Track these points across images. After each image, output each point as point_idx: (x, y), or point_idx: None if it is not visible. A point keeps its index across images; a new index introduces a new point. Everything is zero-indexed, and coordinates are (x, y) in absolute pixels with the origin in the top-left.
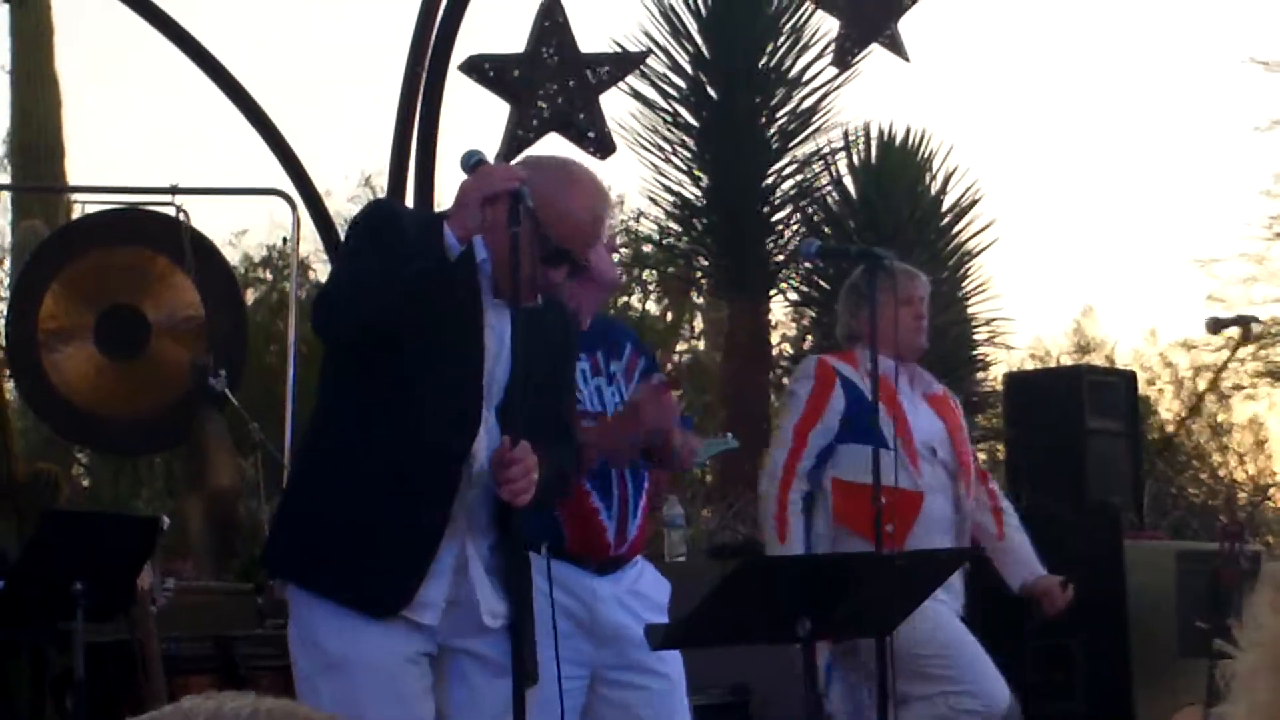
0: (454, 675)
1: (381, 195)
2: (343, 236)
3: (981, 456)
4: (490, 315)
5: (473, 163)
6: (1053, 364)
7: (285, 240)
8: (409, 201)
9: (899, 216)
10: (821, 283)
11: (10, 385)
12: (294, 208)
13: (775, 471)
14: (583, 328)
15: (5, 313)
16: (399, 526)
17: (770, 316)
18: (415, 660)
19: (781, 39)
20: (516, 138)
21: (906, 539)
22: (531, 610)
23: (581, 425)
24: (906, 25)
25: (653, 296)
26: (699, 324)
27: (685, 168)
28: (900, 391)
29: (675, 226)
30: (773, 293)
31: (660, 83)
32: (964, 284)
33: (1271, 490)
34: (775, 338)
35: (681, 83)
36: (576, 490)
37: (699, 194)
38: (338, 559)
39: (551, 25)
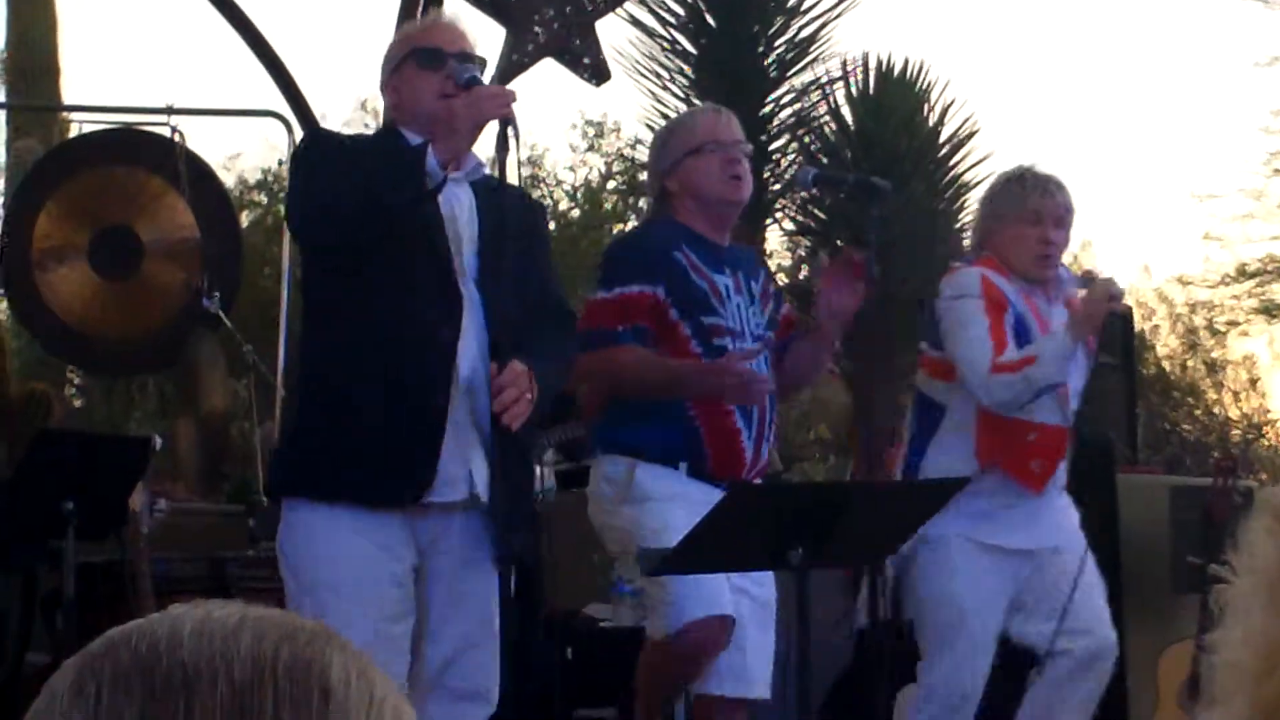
0: (433, 576)
1: (379, 118)
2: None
3: None
4: (446, 189)
5: (465, 78)
6: None
7: (280, 163)
8: None
9: (896, 147)
10: (818, 212)
11: (4, 305)
12: (289, 130)
13: (978, 369)
14: (720, 244)
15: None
16: (406, 415)
17: (766, 245)
18: (401, 581)
19: None
20: (512, 63)
21: (1051, 479)
22: (528, 501)
23: (735, 345)
24: None
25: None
26: None
27: (683, 95)
28: (1041, 313)
29: None
30: (768, 222)
31: (658, 9)
32: (961, 216)
33: (1265, 428)
34: (771, 266)
35: (680, 9)
36: (720, 410)
37: None
38: (353, 460)
39: None
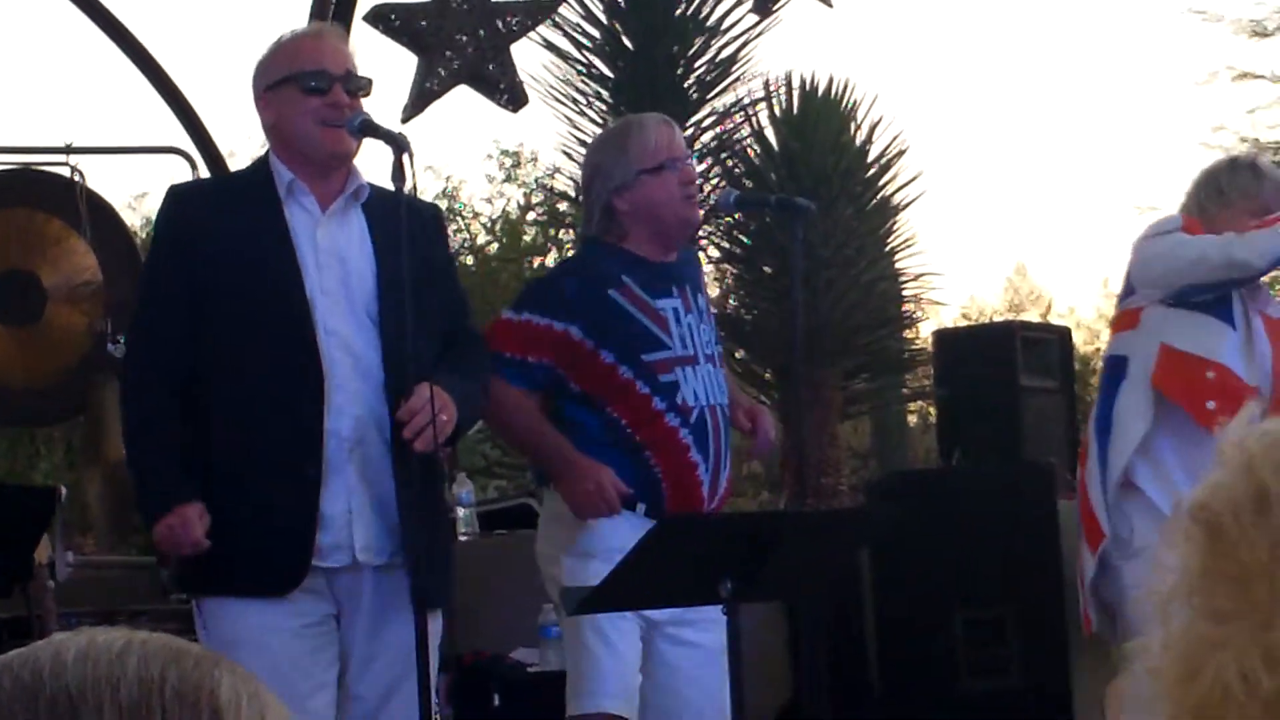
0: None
1: None
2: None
3: (912, 419)
4: (319, 233)
5: (358, 124)
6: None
7: None
8: None
9: (822, 168)
10: (743, 238)
11: None
12: (194, 168)
13: (1221, 244)
14: (666, 262)
15: None
16: (275, 497)
17: None
18: (309, 632)
19: None
20: (424, 91)
21: (1219, 424)
22: (441, 543)
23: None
24: None
25: (570, 255)
26: None
27: (601, 121)
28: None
29: None
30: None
31: (574, 32)
32: (890, 239)
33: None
34: None
35: (596, 32)
36: (677, 443)
37: None
38: (225, 551)
39: None
